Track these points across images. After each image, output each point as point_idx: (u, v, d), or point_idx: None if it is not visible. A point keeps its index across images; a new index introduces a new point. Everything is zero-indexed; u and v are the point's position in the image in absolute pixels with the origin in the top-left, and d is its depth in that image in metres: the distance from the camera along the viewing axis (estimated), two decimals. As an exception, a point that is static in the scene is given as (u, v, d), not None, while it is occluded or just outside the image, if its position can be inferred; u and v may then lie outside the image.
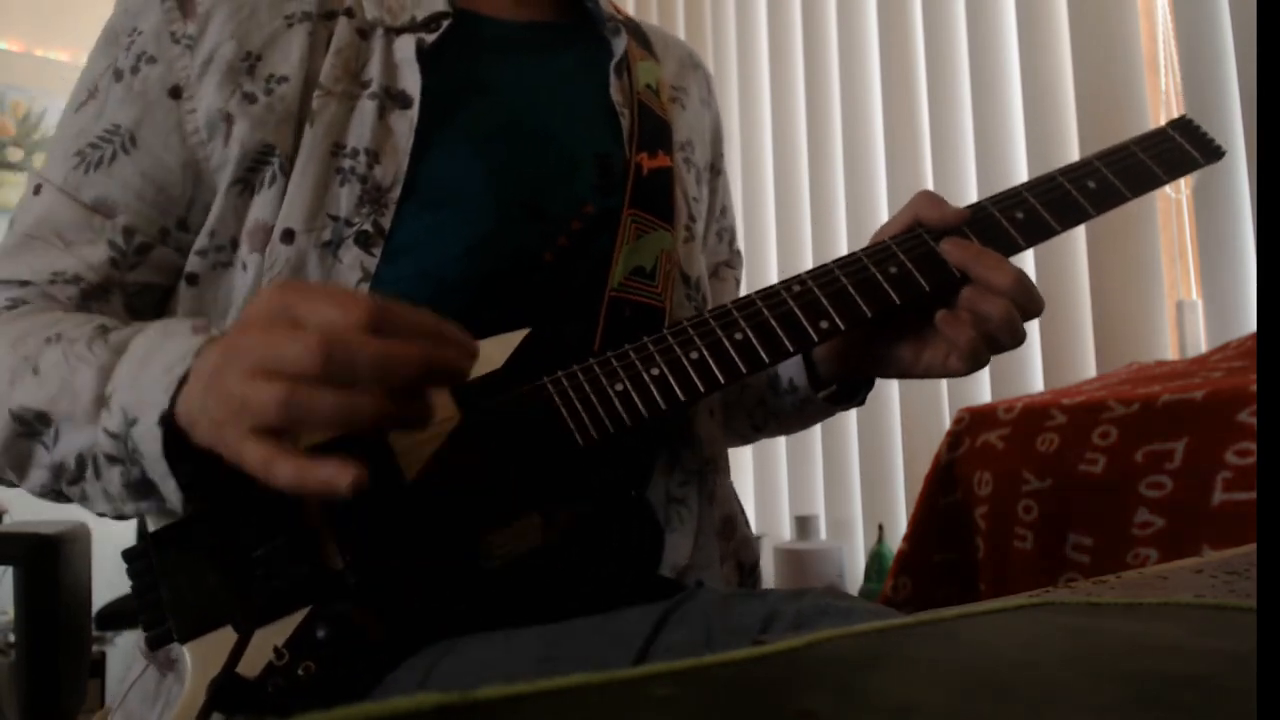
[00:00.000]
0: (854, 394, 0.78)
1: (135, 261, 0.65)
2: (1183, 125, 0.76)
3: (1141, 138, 0.74)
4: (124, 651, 2.49)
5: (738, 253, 0.94)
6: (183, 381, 0.52)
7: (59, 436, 0.57)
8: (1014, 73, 1.69)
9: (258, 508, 0.56)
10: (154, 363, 0.55)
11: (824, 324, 0.63)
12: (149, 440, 0.53)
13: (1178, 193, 1.51)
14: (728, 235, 0.93)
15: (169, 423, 0.52)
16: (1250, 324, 1.33)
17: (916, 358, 0.68)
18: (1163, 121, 0.75)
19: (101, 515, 0.62)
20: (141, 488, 0.56)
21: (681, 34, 2.56)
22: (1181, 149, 0.74)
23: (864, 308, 0.63)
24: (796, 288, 0.65)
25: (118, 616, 1.82)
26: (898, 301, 0.64)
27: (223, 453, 0.48)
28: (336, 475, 0.44)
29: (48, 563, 1.08)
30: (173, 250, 0.67)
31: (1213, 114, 1.38)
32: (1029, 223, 0.67)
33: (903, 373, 0.70)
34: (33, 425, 0.58)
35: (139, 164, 0.65)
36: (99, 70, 0.68)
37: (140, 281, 0.66)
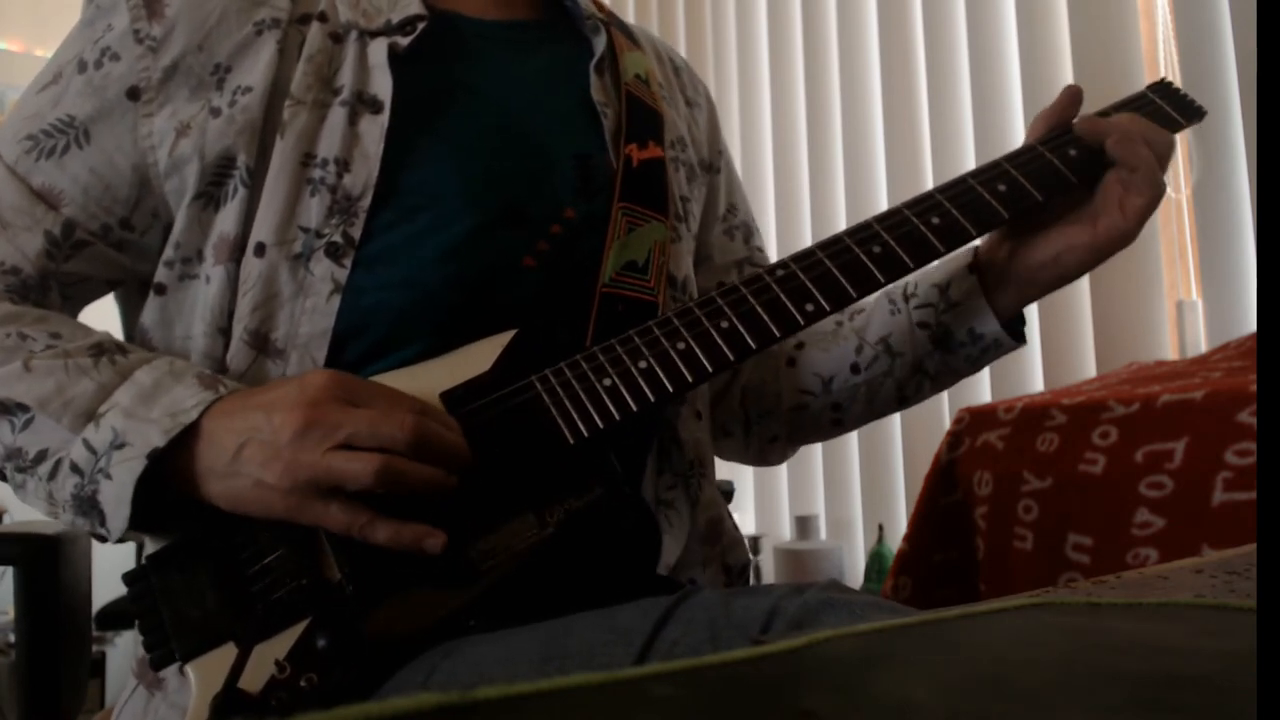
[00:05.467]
0: (1018, 329, 0.77)
1: (70, 254, 0.65)
2: (1162, 88, 0.76)
3: (1122, 102, 0.75)
4: (124, 651, 2.49)
5: (759, 249, 0.92)
6: (187, 431, 0.56)
7: (31, 426, 0.59)
8: (1014, 72, 1.69)
9: (252, 525, 0.57)
10: (159, 401, 0.58)
11: (809, 306, 0.63)
12: (128, 468, 0.56)
13: (1178, 193, 1.51)
14: (741, 232, 0.91)
15: (156, 460, 0.56)
16: (1250, 324, 1.33)
17: (1094, 228, 0.68)
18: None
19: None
20: (86, 505, 0.58)
21: (681, 34, 2.56)
22: (1162, 111, 0.74)
23: (848, 287, 0.64)
24: (780, 272, 0.65)
25: (118, 616, 1.82)
26: (883, 280, 0.65)
27: (268, 512, 0.55)
28: (426, 537, 0.55)
29: (48, 563, 1.07)
30: (111, 247, 0.66)
31: (1213, 113, 1.38)
32: (1011, 195, 0.68)
33: (1093, 257, 0.69)
34: (7, 407, 0.59)
35: (89, 160, 0.65)
36: (67, 57, 0.67)
37: (75, 273, 0.66)
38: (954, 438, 1.11)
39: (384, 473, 0.53)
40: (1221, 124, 1.38)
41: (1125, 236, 0.68)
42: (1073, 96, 0.73)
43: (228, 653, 0.54)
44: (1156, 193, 0.66)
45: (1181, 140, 1.48)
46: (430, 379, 0.61)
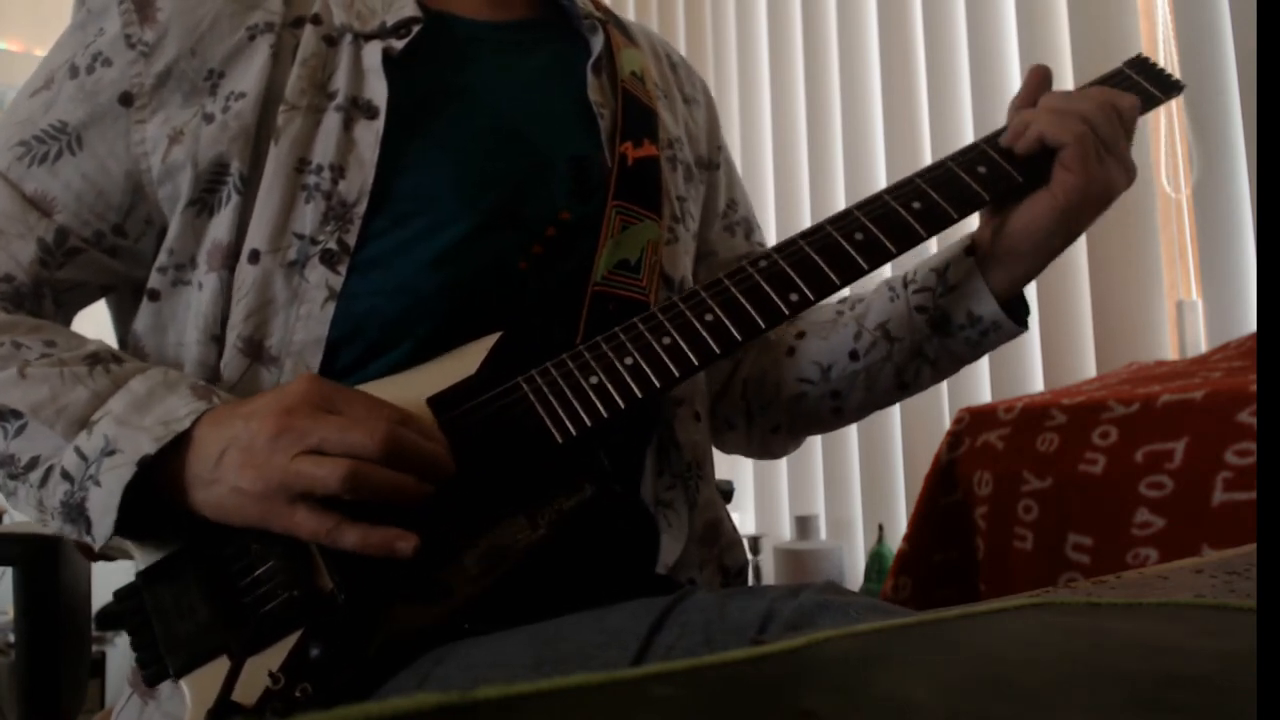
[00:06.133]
0: (1021, 315, 0.76)
1: (63, 261, 0.65)
2: (1139, 63, 0.76)
3: (1098, 80, 0.75)
4: (124, 652, 2.49)
5: (760, 244, 0.91)
6: (177, 439, 0.56)
7: (24, 433, 0.58)
8: (1014, 73, 1.69)
9: (242, 536, 0.57)
10: (152, 409, 0.57)
11: (793, 296, 0.63)
12: (117, 474, 0.55)
13: (1178, 193, 1.51)
14: (742, 229, 0.90)
15: (145, 468, 0.55)
16: (1250, 324, 1.33)
17: (1052, 194, 0.67)
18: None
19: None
20: (74, 512, 0.58)
21: (681, 34, 2.56)
22: (1139, 86, 0.74)
23: (831, 275, 0.64)
24: (763, 262, 0.65)
25: (118, 617, 1.82)
26: (866, 267, 0.64)
27: (245, 520, 0.55)
28: (397, 540, 0.54)
29: (48, 563, 1.07)
30: (104, 254, 0.66)
31: (1213, 113, 1.38)
32: (991, 176, 0.68)
33: (1059, 217, 0.68)
34: (0, 414, 0.59)
35: (82, 166, 0.64)
36: (59, 61, 0.67)
37: (68, 280, 0.66)
38: (954, 438, 1.11)
39: (350, 478, 0.53)
40: (1221, 124, 1.38)
41: (1082, 191, 0.66)
42: (1040, 78, 0.73)
43: (221, 666, 0.54)
44: (1082, 145, 0.66)
45: (1182, 140, 1.48)
46: (418, 384, 0.61)
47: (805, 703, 0.19)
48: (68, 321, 0.69)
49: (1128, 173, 0.68)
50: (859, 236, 0.65)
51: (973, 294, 0.74)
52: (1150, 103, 0.74)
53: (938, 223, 0.66)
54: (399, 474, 0.54)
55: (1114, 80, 0.75)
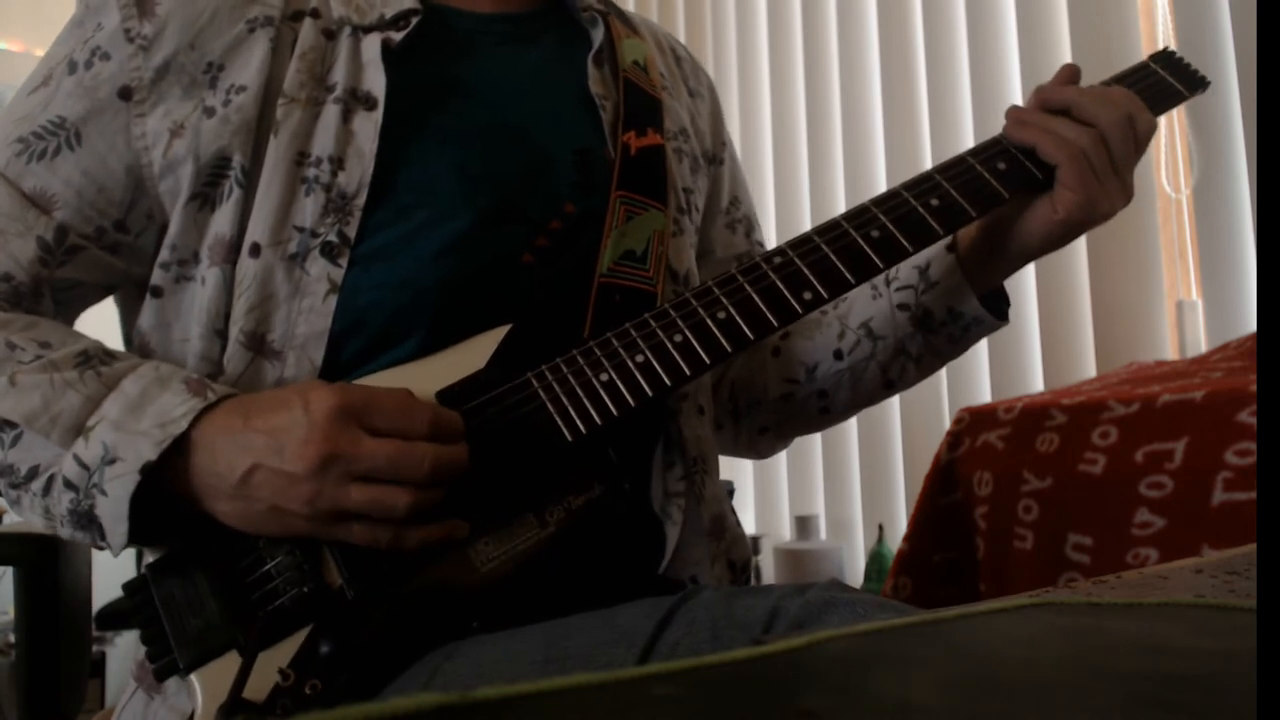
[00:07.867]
0: (1002, 309, 0.76)
1: (64, 259, 0.64)
2: (1164, 58, 0.74)
3: (1123, 74, 0.73)
4: (124, 651, 2.49)
5: (760, 244, 0.91)
6: (178, 441, 0.56)
7: (20, 442, 0.58)
8: (1014, 72, 1.69)
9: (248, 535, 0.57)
10: (147, 412, 0.57)
11: (807, 294, 0.62)
12: (122, 483, 0.55)
13: (1178, 193, 1.51)
14: (743, 226, 0.90)
15: (149, 475, 0.55)
16: (1250, 324, 1.33)
17: (1053, 206, 0.66)
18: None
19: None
20: (84, 520, 0.57)
21: (681, 34, 2.56)
22: (1164, 82, 0.73)
23: (846, 274, 0.63)
24: (777, 259, 0.64)
25: (118, 616, 1.82)
26: (881, 265, 0.63)
27: (287, 533, 0.56)
28: (454, 530, 0.57)
29: (48, 563, 1.07)
30: (105, 251, 0.65)
31: (1213, 113, 1.38)
32: (1011, 173, 0.66)
33: (1058, 229, 0.67)
34: None
35: (81, 162, 0.64)
36: (57, 57, 0.66)
37: (69, 279, 0.65)
38: (954, 438, 1.11)
39: (414, 508, 0.54)
40: (1221, 124, 1.38)
41: (1082, 209, 0.65)
42: (1069, 75, 0.72)
43: (231, 661, 0.54)
44: (1077, 164, 0.65)
45: (1182, 140, 1.48)
46: (427, 377, 0.61)
47: (805, 702, 0.19)
48: (69, 324, 0.68)
49: (1125, 195, 0.67)
50: (875, 234, 0.64)
51: (953, 291, 0.74)
52: (1174, 99, 0.72)
53: (956, 220, 0.65)
54: (439, 490, 0.56)
55: (1138, 75, 0.73)
